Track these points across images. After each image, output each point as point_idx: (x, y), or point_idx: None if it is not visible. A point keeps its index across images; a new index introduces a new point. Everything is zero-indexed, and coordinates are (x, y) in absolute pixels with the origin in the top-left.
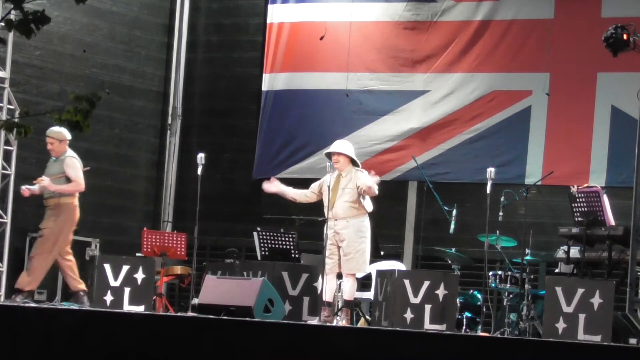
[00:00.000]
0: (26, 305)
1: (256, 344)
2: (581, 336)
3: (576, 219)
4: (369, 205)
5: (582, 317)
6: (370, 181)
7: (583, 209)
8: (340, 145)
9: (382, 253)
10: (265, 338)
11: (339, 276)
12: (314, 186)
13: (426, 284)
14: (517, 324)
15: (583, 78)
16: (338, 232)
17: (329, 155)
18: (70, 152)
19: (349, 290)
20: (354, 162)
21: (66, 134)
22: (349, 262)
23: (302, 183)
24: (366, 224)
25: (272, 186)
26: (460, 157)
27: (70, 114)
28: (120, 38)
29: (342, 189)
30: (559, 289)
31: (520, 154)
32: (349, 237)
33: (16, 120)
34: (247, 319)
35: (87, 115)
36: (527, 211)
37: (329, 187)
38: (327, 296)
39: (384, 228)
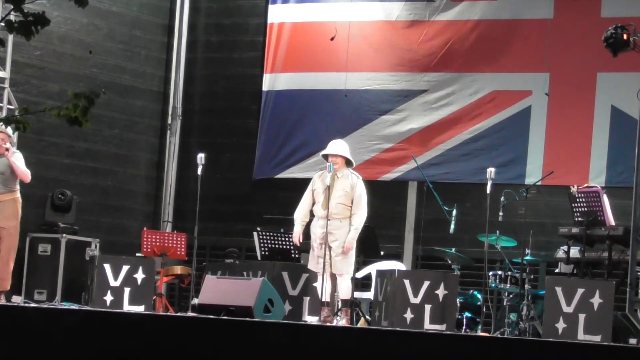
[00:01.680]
0: (26, 305)
1: (256, 344)
2: (581, 336)
3: (576, 219)
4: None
5: (582, 317)
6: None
7: (583, 209)
8: (337, 147)
9: (382, 253)
10: (265, 338)
11: (335, 276)
12: (307, 198)
13: (426, 284)
14: (517, 324)
15: (583, 78)
16: (331, 232)
17: (326, 156)
18: (15, 149)
19: (346, 289)
20: (348, 162)
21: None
22: (340, 263)
23: (302, 183)
24: None
25: (298, 239)
26: (460, 157)
27: (69, 110)
28: (120, 38)
29: (338, 190)
30: (559, 289)
31: (520, 154)
32: (341, 238)
33: (16, 117)
34: (247, 319)
35: (86, 111)
36: (527, 211)
37: (328, 187)
38: (325, 296)
39: (384, 228)
